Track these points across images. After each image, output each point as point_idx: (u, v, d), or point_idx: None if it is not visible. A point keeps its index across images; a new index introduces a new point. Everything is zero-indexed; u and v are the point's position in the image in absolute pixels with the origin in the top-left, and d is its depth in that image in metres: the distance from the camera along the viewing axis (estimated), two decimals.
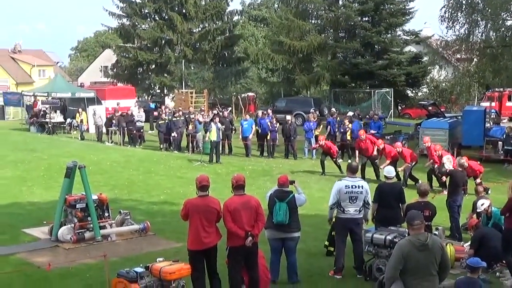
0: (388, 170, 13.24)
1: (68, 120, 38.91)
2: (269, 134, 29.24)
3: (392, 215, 12.22)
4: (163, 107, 38.64)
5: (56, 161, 25.66)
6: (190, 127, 30.27)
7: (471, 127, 28.64)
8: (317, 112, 38.60)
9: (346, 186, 11.73)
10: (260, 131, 29.84)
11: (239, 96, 52.47)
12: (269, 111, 33.26)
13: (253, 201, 10.41)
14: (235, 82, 60.64)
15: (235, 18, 59.68)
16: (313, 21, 53.05)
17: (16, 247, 14.12)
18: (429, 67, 51.20)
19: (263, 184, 21.15)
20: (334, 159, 24.84)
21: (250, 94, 55.31)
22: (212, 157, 27.09)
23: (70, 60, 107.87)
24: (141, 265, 10.19)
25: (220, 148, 28.36)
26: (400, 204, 12.45)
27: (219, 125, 28.03)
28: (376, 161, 22.97)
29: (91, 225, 14.46)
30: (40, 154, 28.44)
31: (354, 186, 11.74)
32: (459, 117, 32.54)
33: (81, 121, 36.70)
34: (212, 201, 10.33)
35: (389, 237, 11.27)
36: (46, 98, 39.79)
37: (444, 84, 54.78)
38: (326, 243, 13.40)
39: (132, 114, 34.11)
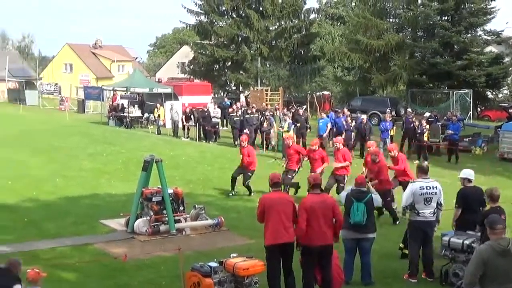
0: (469, 173, 12.62)
1: (146, 115, 39.56)
2: (344, 133, 29.02)
3: (474, 219, 11.88)
4: (237, 103, 38.88)
5: (133, 155, 26.11)
6: (265, 124, 30.30)
7: None
8: (393, 112, 38.08)
9: (420, 187, 11.46)
10: (335, 130, 29.67)
11: (314, 95, 52.26)
12: (345, 110, 33.00)
13: (329, 200, 10.35)
14: (311, 80, 60.42)
15: (312, 16, 59.48)
16: (391, 20, 52.47)
17: (94, 237, 14.52)
18: (510, 68, 49.87)
19: None
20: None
21: (325, 92, 55.00)
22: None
23: (149, 56, 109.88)
24: (215, 260, 10.27)
25: None
26: (481, 208, 12.10)
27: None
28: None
29: (166, 219, 14.67)
30: (118, 147, 29.00)
31: (428, 187, 11.48)
32: None
33: (159, 116, 37.26)
34: (287, 196, 10.34)
35: (466, 242, 11.01)
36: (125, 93, 40.58)
37: None
38: (401, 245, 13.14)
39: (208, 110, 34.44)
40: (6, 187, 19.59)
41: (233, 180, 19.66)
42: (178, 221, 14.99)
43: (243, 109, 33.90)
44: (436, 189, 11.53)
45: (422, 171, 11.90)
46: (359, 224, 11.04)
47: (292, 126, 28.45)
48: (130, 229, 14.71)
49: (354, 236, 11.26)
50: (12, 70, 66.17)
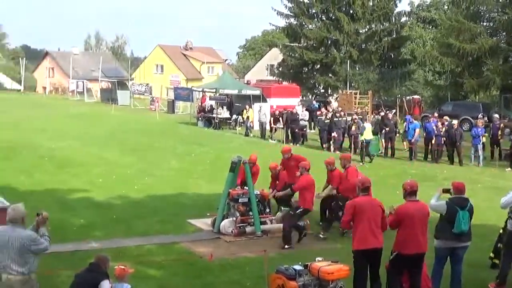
0: None
1: (234, 116, 39.92)
2: (434, 138, 28.48)
3: None
4: (327, 107, 38.76)
5: (220, 155, 26.30)
6: (353, 128, 30.05)
7: None
8: (485, 118, 37.02)
9: None
10: (425, 134, 29.23)
11: (404, 99, 51.50)
12: (435, 114, 32.41)
13: (426, 208, 10.13)
14: (400, 84, 59.48)
15: (403, 19, 58.49)
16: (484, 24, 51.03)
17: (180, 236, 14.74)
18: None
19: (423, 190, 20.41)
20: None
21: (416, 96, 54.11)
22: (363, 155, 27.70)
23: (238, 58, 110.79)
24: (300, 263, 10.21)
25: (383, 151, 28.60)
26: None
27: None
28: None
29: (252, 220, 14.76)
30: (207, 148, 29.31)
31: None
32: None
33: (247, 117, 37.50)
34: (376, 200, 10.18)
35: None
36: (214, 94, 41.08)
37: None
38: (491, 255, 12.74)
39: (296, 113, 34.45)
40: (97, 185, 20.15)
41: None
42: (264, 223, 15.06)
43: (331, 112, 33.75)
44: None
45: None
46: (464, 233, 10.57)
47: (365, 129, 28.78)
48: (216, 229, 14.85)
49: (452, 245, 10.74)
50: (105, 70, 68.33)
